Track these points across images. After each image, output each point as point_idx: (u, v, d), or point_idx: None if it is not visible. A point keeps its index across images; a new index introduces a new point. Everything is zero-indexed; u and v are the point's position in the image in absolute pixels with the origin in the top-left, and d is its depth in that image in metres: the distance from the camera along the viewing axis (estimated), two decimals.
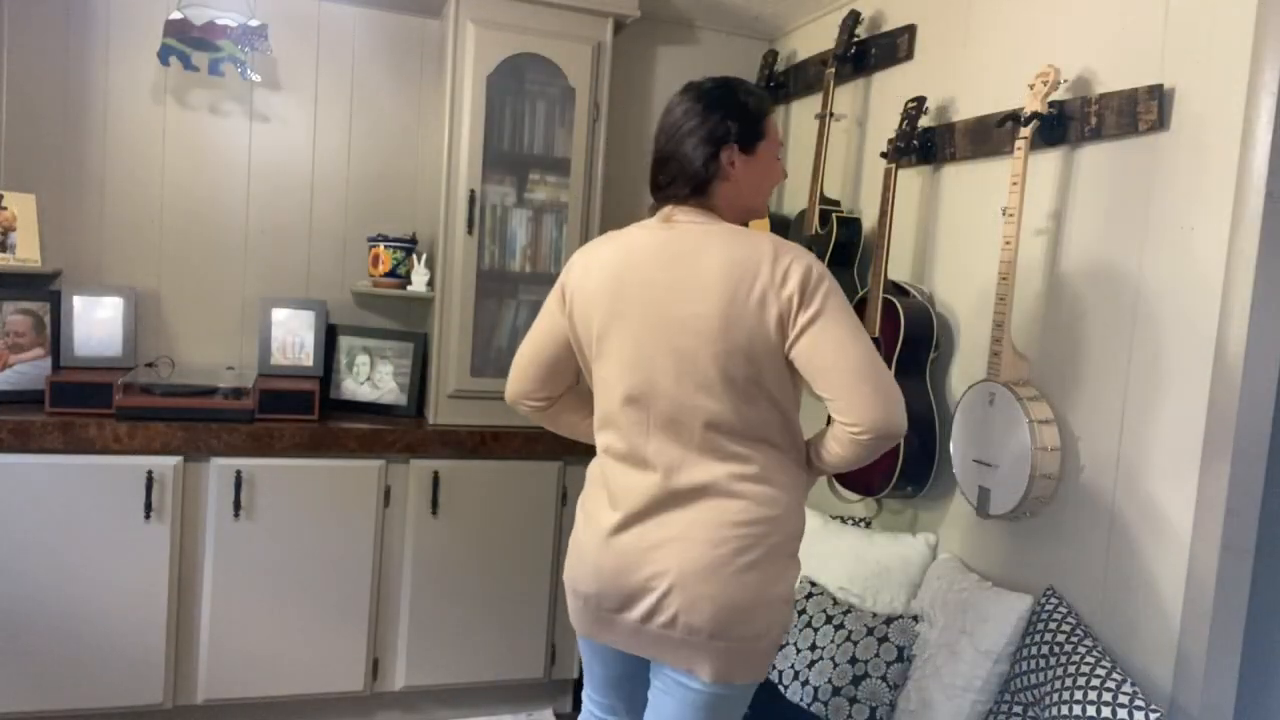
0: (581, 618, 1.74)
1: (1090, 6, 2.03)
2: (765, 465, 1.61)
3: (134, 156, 2.95)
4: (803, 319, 1.53)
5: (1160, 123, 1.82)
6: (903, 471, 2.29)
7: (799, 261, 1.55)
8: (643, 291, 1.60)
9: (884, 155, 2.44)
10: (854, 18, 2.72)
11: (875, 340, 2.38)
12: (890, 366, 2.32)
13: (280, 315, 3.06)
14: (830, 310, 1.54)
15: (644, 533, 1.61)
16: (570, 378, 1.81)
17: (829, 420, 1.63)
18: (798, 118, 3.24)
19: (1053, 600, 1.95)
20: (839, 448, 1.60)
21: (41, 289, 2.85)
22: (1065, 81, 2.05)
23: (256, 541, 2.72)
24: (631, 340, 1.61)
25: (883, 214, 2.41)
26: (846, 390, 1.52)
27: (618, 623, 1.66)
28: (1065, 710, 1.72)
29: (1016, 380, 2.03)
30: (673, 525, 1.59)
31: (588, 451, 1.85)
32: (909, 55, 2.62)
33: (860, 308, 2.46)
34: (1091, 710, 1.67)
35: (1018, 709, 1.90)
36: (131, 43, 2.90)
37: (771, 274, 1.54)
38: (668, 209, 1.66)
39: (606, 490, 1.69)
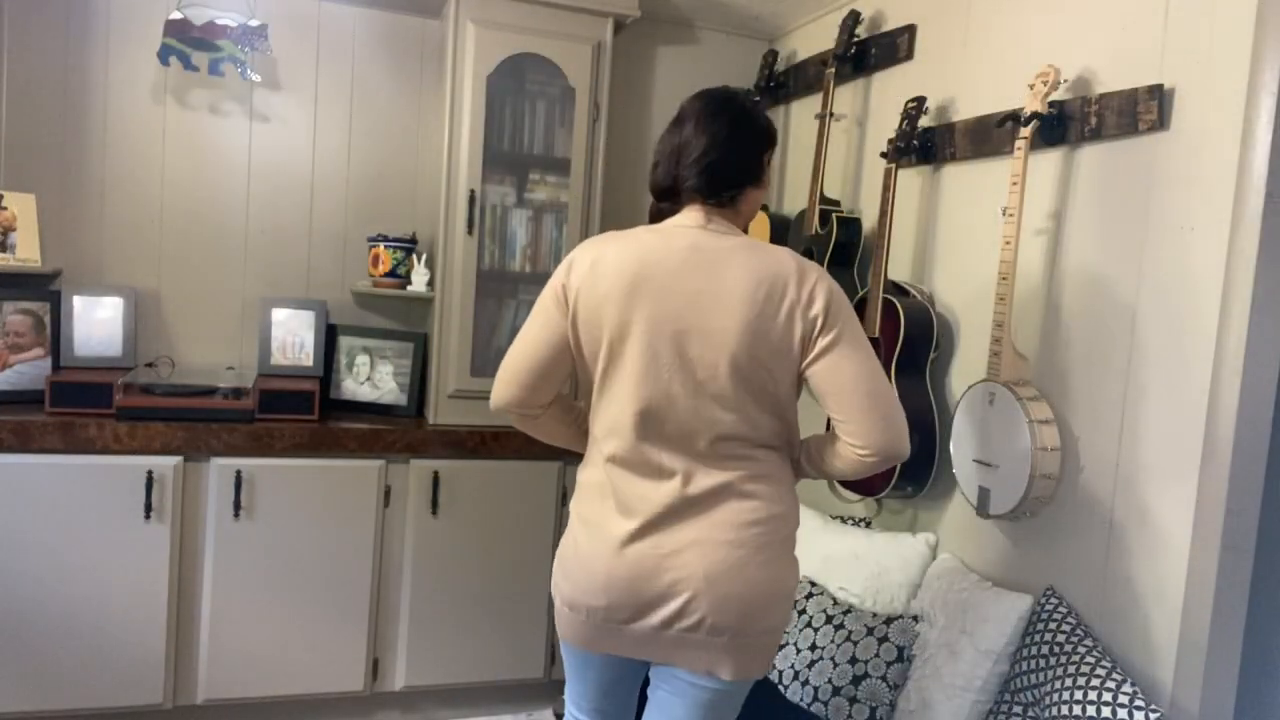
0: (580, 631, 1.68)
1: (1090, 6, 2.03)
2: (769, 465, 1.65)
3: (134, 156, 2.95)
4: (824, 341, 1.58)
5: (1160, 123, 1.82)
6: (903, 471, 2.29)
7: (823, 282, 1.60)
8: (661, 299, 1.58)
9: (884, 155, 2.44)
10: (854, 18, 2.72)
11: (875, 340, 2.38)
12: (890, 366, 2.32)
13: (280, 315, 3.06)
14: (849, 335, 1.59)
15: (660, 540, 1.60)
16: (562, 383, 1.74)
17: (828, 426, 1.64)
18: (798, 118, 3.24)
19: (1053, 600, 1.95)
20: (840, 463, 1.65)
21: (41, 289, 2.86)
22: (1065, 81, 2.05)
23: (256, 541, 2.72)
24: (647, 349, 1.59)
25: (883, 214, 2.41)
26: (858, 414, 1.58)
27: (625, 632, 1.63)
28: (1065, 710, 1.72)
29: (1016, 380, 2.03)
30: (690, 530, 1.60)
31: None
32: (909, 55, 2.62)
33: (860, 308, 2.46)
34: (1091, 710, 1.67)
35: (1018, 709, 1.90)
36: (131, 43, 2.90)
37: (799, 292, 1.58)
38: (703, 212, 1.65)
39: (614, 499, 1.65)
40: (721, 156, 1.64)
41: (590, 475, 1.71)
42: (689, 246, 1.60)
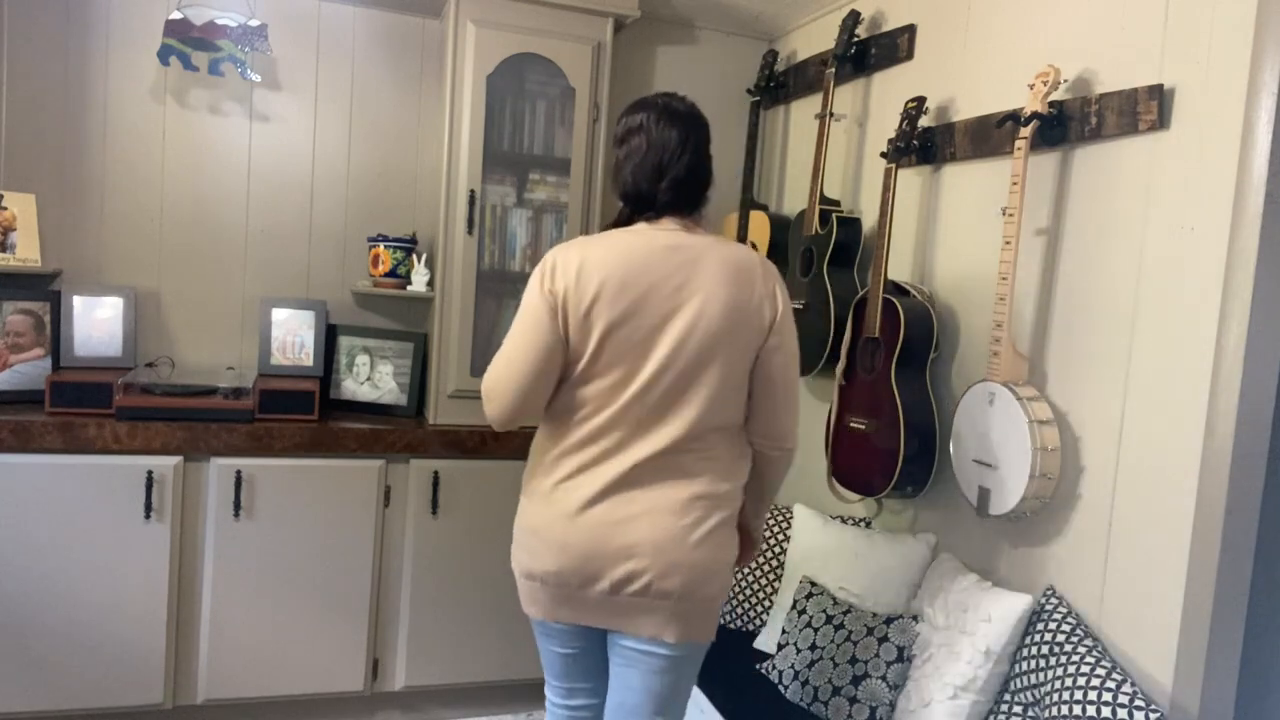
0: (539, 598, 1.79)
1: (1090, 6, 2.03)
2: (720, 448, 1.77)
3: (134, 156, 2.95)
4: (775, 333, 1.76)
5: (1160, 123, 1.82)
6: (903, 471, 2.29)
7: (780, 282, 1.79)
8: (649, 293, 1.69)
9: (884, 155, 2.44)
10: (854, 18, 2.72)
11: (874, 340, 2.38)
12: (890, 366, 2.32)
13: (280, 315, 3.06)
14: (791, 335, 1.79)
15: (613, 508, 1.71)
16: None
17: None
18: (798, 118, 3.24)
19: (1053, 600, 1.95)
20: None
21: (41, 289, 2.86)
22: (1065, 81, 2.05)
23: (256, 541, 2.72)
24: (636, 340, 1.70)
25: (883, 214, 2.41)
26: (778, 404, 1.78)
27: (579, 598, 1.74)
28: (1065, 710, 1.72)
29: (1016, 380, 2.03)
30: (641, 501, 1.71)
31: None
32: (909, 55, 2.62)
33: (860, 308, 2.47)
34: (1091, 710, 1.68)
35: (1018, 709, 1.90)
36: (131, 43, 2.90)
37: (765, 286, 1.76)
38: (680, 220, 1.78)
39: (568, 469, 1.74)
40: (701, 176, 1.79)
41: (544, 447, 1.79)
42: (668, 246, 1.72)
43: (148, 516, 2.61)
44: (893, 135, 2.42)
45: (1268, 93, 1.63)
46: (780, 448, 1.81)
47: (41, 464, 2.53)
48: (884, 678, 2.14)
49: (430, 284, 3.02)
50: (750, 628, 2.65)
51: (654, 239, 1.73)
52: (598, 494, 1.71)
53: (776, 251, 3.00)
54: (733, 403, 1.76)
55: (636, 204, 1.78)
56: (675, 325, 1.69)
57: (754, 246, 3.06)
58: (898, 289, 2.45)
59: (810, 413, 2.99)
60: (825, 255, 2.66)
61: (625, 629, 1.75)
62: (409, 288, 3.02)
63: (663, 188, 1.75)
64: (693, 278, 1.70)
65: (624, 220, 1.80)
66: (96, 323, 2.90)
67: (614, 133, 1.85)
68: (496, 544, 2.96)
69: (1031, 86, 2.01)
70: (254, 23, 2.84)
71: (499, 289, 3.07)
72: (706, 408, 1.72)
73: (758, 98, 3.19)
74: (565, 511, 1.72)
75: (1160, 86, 1.82)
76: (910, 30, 2.61)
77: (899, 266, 2.59)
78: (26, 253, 2.73)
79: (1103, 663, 1.75)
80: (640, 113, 1.79)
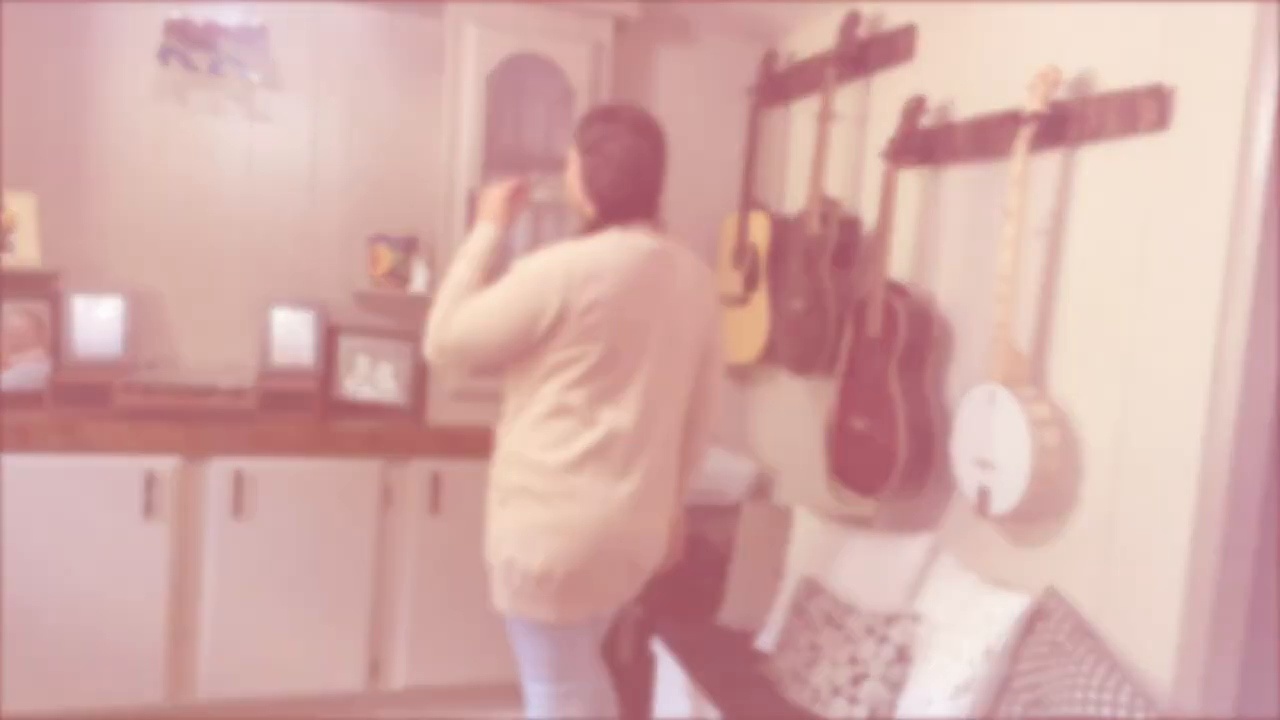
0: (555, 599, 1.87)
1: (1090, 6, 2.03)
2: (675, 431, 1.98)
3: (134, 156, 2.95)
4: (716, 313, 2.03)
5: (1160, 123, 1.82)
6: (903, 471, 2.29)
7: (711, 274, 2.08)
8: (644, 297, 1.85)
9: (884, 155, 2.44)
10: (854, 18, 2.72)
11: (874, 340, 2.38)
12: (890, 366, 2.32)
13: (280, 315, 3.05)
14: (722, 313, 2.07)
15: (639, 500, 1.88)
16: None
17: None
18: (798, 118, 3.24)
19: (1053, 600, 1.95)
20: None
21: (41, 289, 2.85)
22: (1065, 81, 2.05)
23: (256, 541, 2.72)
24: (636, 341, 1.84)
25: (883, 214, 2.41)
26: (717, 370, 2.05)
27: (596, 591, 1.89)
28: (1065, 710, 1.72)
29: (1017, 380, 2.03)
30: (651, 493, 1.91)
31: None
32: (909, 55, 2.62)
33: (860, 308, 2.47)
34: (1091, 710, 1.68)
35: (1018, 709, 1.90)
36: (131, 42, 2.90)
37: (710, 278, 2.03)
38: (649, 227, 1.91)
39: (594, 468, 1.84)
40: (662, 185, 1.94)
41: (562, 450, 1.85)
42: (652, 252, 1.88)
43: (147, 516, 2.61)
44: (893, 135, 2.42)
45: (1268, 93, 1.63)
46: (712, 407, 2.06)
47: (41, 464, 2.53)
48: (884, 678, 2.14)
49: (430, 284, 3.02)
50: (750, 628, 2.65)
51: (638, 244, 1.86)
52: (633, 490, 1.86)
53: (776, 251, 3.00)
54: (689, 384, 1.99)
55: (613, 210, 1.88)
56: (665, 323, 1.87)
57: (754, 246, 3.06)
58: (898, 289, 2.45)
59: (810, 413, 2.99)
60: (825, 255, 2.66)
61: (616, 605, 2.00)
62: (409, 288, 3.02)
63: (638, 196, 1.89)
64: (675, 279, 1.89)
65: (595, 226, 1.89)
66: (96, 323, 2.89)
67: (582, 140, 1.90)
68: None
69: (1031, 86, 2.01)
70: (254, 23, 2.85)
71: None
72: (681, 394, 1.96)
73: (758, 98, 3.19)
74: (599, 509, 1.84)
75: (1160, 86, 1.82)
76: (910, 30, 2.61)
77: (899, 266, 2.59)
78: (26, 253, 2.73)
79: (1103, 663, 1.75)
80: (614, 124, 1.89)
